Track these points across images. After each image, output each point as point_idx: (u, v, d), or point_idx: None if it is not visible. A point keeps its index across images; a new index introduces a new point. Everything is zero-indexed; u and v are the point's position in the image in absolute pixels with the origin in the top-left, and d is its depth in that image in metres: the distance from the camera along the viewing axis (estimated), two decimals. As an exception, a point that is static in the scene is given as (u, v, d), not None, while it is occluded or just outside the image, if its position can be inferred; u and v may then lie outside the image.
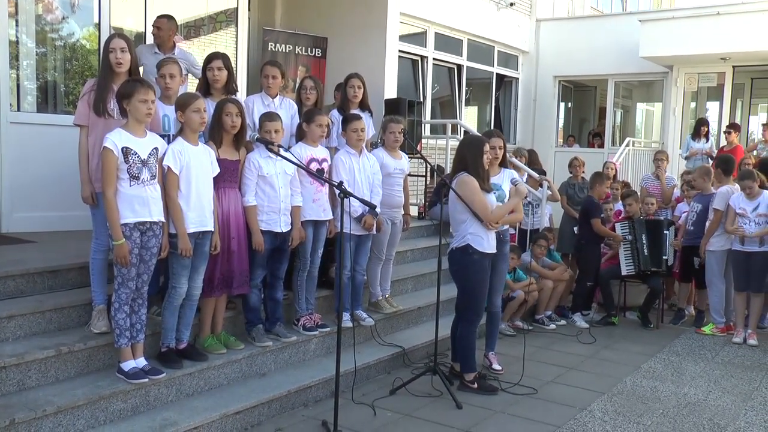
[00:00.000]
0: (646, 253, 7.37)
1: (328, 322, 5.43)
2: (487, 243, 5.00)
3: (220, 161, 4.55)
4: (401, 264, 7.14)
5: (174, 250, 4.29)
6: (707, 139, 11.05)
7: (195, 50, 7.43)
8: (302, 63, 9.39)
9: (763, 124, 10.94)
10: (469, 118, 13.53)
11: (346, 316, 5.48)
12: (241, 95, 5.78)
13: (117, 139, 3.98)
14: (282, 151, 4.75)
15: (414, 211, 8.26)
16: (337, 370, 4.18)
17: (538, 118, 14.54)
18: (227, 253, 4.66)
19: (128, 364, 4.13)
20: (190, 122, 4.34)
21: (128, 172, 4.00)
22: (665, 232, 7.40)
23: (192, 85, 6.15)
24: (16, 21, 6.14)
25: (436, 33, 11.93)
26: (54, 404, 3.74)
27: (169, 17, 6.06)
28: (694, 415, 4.87)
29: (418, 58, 11.72)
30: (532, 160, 9.24)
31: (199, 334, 4.75)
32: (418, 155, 6.55)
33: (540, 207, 8.06)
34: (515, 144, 13.36)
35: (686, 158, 10.96)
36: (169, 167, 4.21)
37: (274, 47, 9.21)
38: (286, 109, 5.49)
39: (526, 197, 5.29)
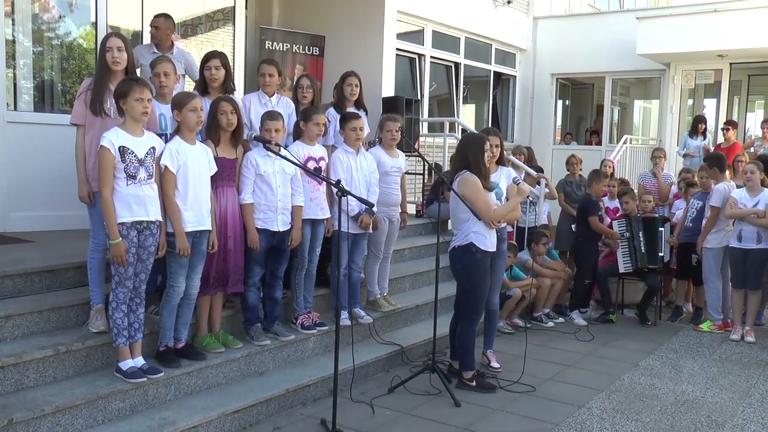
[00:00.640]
0: (643, 251, 7.38)
1: (326, 321, 5.43)
2: (489, 241, 5.01)
3: (217, 160, 4.54)
4: (399, 262, 7.14)
5: (172, 249, 4.28)
6: (704, 137, 11.05)
7: (192, 49, 7.41)
8: (300, 61, 9.39)
9: (762, 121, 10.95)
10: (466, 116, 13.52)
11: (344, 314, 5.48)
12: (238, 94, 5.78)
13: (114, 138, 3.98)
14: (280, 150, 4.74)
15: (411, 209, 8.26)
16: (335, 369, 4.18)
17: (536, 116, 14.55)
18: (223, 251, 4.66)
19: (126, 364, 4.13)
20: (186, 121, 4.33)
21: (125, 172, 3.99)
22: (660, 229, 7.42)
23: (189, 84, 6.15)
24: (13, 20, 6.12)
25: (433, 31, 11.92)
26: (52, 404, 3.73)
27: (167, 16, 6.04)
28: (692, 412, 4.88)
29: (416, 56, 11.72)
30: (529, 157, 9.24)
31: (197, 333, 4.75)
32: (416, 153, 6.55)
33: (538, 204, 8.06)
34: (513, 142, 13.37)
35: (684, 156, 10.97)
36: (166, 166, 4.21)
37: (272, 46, 9.21)
38: (284, 108, 5.48)
39: (528, 196, 5.30)
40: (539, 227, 7.80)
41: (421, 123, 9.74)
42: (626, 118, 16.95)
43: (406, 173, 6.22)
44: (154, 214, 4.13)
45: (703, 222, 7.17)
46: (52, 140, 5.98)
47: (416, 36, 11.65)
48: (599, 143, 14.38)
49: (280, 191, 4.89)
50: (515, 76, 14.36)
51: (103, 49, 4.35)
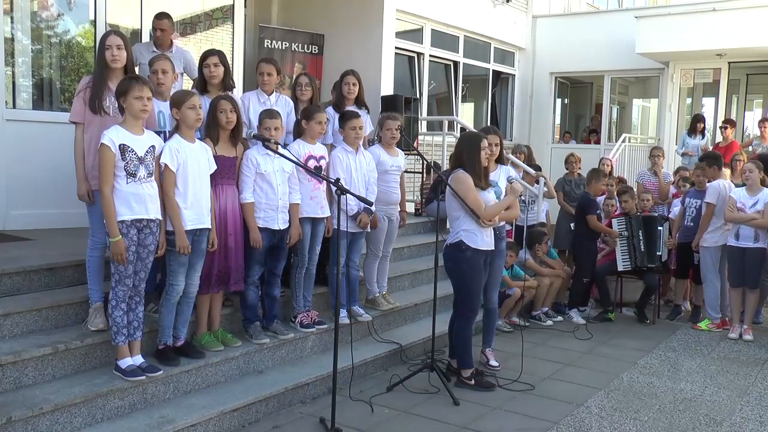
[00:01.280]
0: (642, 249, 7.39)
1: (325, 319, 5.43)
2: (481, 240, 4.99)
3: (217, 158, 4.54)
4: (398, 261, 7.14)
5: (171, 248, 4.28)
6: (703, 136, 11.07)
7: (191, 47, 7.42)
8: (299, 60, 9.39)
9: (760, 120, 10.96)
10: (465, 114, 13.53)
11: (343, 312, 5.48)
12: (237, 92, 5.78)
13: (114, 136, 3.97)
14: (279, 149, 4.74)
15: (410, 207, 8.26)
16: (334, 367, 4.19)
17: (535, 115, 14.55)
18: (224, 250, 4.66)
19: (125, 362, 4.13)
20: (185, 119, 4.33)
21: (125, 170, 3.99)
22: (659, 228, 7.43)
23: (188, 83, 6.14)
24: (12, 18, 6.12)
25: (432, 30, 11.92)
26: (51, 402, 3.73)
27: (169, 16, 6.04)
28: (691, 411, 4.89)
29: (415, 55, 11.72)
30: (528, 156, 9.24)
31: (197, 332, 4.75)
32: (415, 152, 6.54)
33: (536, 203, 8.07)
34: (512, 141, 13.37)
35: (682, 155, 10.99)
36: (166, 165, 4.21)
37: (271, 44, 9.20)
38: (282, 106, 5.47)
39: (521, 195, 5.30)
40: (537, 225, 7.80)
41: (420, 122, 9.74)
42: (625, 117, 16.96)
43: (405, 172, 6.22)
44: (154, 212, 4.13)
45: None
46: (51, 138, 5.98)
47: (415, 35, 11.64)
48: (598, 142, 14.39)
49: (280, 190, 4.89)
50: (514, 75, 14.36)
51: (103, 46, 4.34)
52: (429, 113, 11.88)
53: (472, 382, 5.17)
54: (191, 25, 7.87)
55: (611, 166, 9.23)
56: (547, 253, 7.52)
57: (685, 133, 11.34)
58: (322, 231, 5.37)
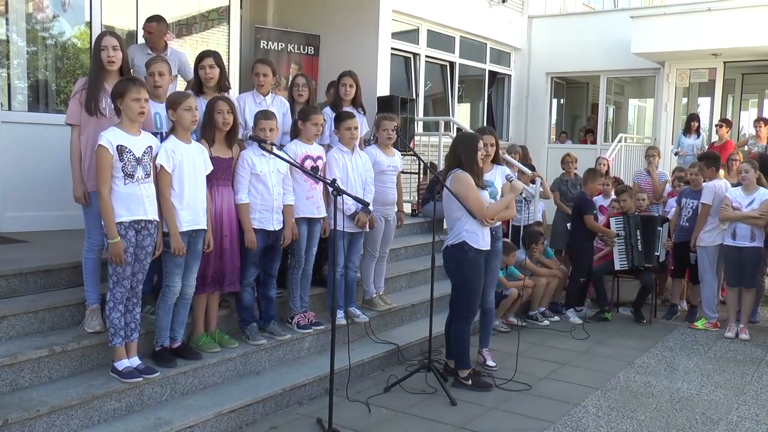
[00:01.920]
0: (639, 249, 7.39)
1: (322, 320, 5.43)
2: (482, 240, 5.01)
3: (212, 159, 4.54)
4: (395, 261, 7.14)
5: (168, 249, 4.28)
6: (698, 135, 11.09)
7: (187, 49, 7.41)
8: (295, 61, 9.39)
9: (755, 120, 10.98)
10: (461, 115, 13.54)
11: (339, 313, 5.48)
12: (233, 93, 5.77)
13: (112, 137, 3.97)
14: (275, 149, 4.74)
15: (407, 208, 8.27)
16: (331, 368, 4.18)
17: (531, 115, 14.57)
18: (219, 251, 4.65)
19: (122, 364, 4.12)
20: (181, 120, 4.33)
21: (123, 171, 3.99)
22: (659, 228, 7.43)
23: (182, 85, 6.14)
24: (7, 20, 6.11)
25: (428, 30, 11.93)
26: (47, 404, 3.73)
27: (159, 19, 6.02)
28: (687, 410, 4.90)
29: (411, 56, 11.72)
30: (524, 156, 9.26)
31: (193, 333, 4.75)
32: (411, 152, 6.55)
33: (533, 203, 8.07)
34: (508, 141, 13.38)
35: (676, 154, 11.01)
36: (162, 166, 4.20)
37: (267, 45, 9.21)
38: (278, 107, 5.47)
39: (521, 193, 5.30)
40: (533, 224, 7.80)
41: (416, 122, 9.75)
42: (621, 117, 16.98)
43: (402, 172, 6.22)
44: (152, 213, 4.13)
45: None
46: (47, 140, 5.96)
47: (411, 35, 11.65)
48: (594, 142, 14.42)
49: (275, 190, 4.89)
50: (510, 75, 14.38)
51: (98, 48, 4.34)
52: (425, 114, 11.90)
53: (469, 382, 5.17)
54: (187, 26, 7.86)
55: (608, 165, 9.25)
56: (544, 253, 7.53)
57: (680, 133, 11.36)
58: (318, 231, 5.37)
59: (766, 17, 11.07)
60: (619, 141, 12.12)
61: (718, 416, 4.80)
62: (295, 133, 5.35)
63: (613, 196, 8.03)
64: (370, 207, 5.41)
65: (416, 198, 8.96)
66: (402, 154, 6.41)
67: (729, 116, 12.95)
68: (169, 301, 4.38)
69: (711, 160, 7.38)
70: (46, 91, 6.61)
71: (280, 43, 9.29)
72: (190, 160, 4.33)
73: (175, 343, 4.51)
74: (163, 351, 4.43)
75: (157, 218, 4.18)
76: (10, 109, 6.13)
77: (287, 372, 4.96)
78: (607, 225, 7.57)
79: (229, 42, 7.95)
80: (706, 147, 10.65)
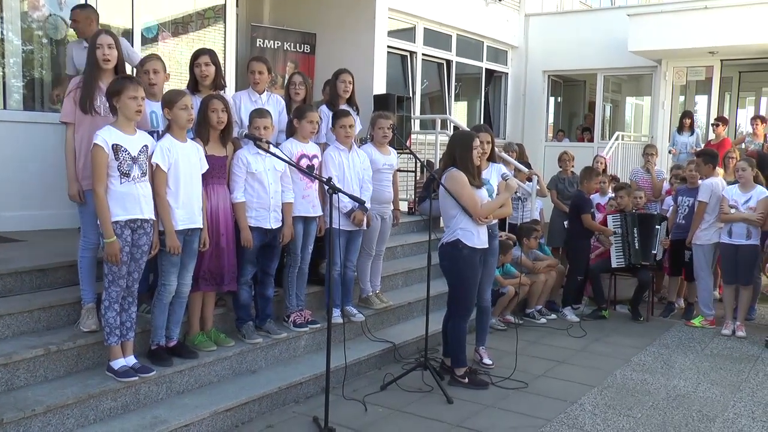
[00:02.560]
0: (637, 247, 7.39)
1: (318, 318, 5.43)
2: (477, 238, 5.00)
3: (207, 158, 4.52)
4: (391, 259, 7.14)
5: (163, 248, 4.27)
6: (692, 132, 11.09)
7: (183, 47, 7.40)
8: (291, 59, 9.38)
9: (752, 118, 11.00)
10: (458, 113, 13.54)
11: (336, 312, 5.48)
12: (229, 92, 5.76)
13: (107, 136, 3.96)
14: (271, 148, 4.73)
15: (403, 206, 8.27)
16: (327, 366, 4.18)
17: (528, 113, 14.57)
18: (216, 249, 4.64)
19: (118, 363, 4.11)
20: (177, 119, 4.32)
21: (119, 170, 3.98)
22: (657, 227, 7.43)
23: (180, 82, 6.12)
24: (2, 18, 6.10)
25: (425, 28, 11.92)
26: (43, 403, 3.72)
27: (85, 6, 5.97)
28: (684, 407, 4.90)
29: (407, 54, 11.71)
30: (520, 154, 9.25)
31: (189, 332, 4.74)
32: (408, 151, 6.54)
33: (529, 201, 8.07)
34: (505, 139, 13.38)
35: (669, 153, 11.02)
36: (157, 165, 4.19)
37: (263, 43, 9.19)
38: (274, 105, 5.47)
39: (516, 192, 5.30)
40: (529, 222, 7.80)
41: (412, 120, 9.74)
42: (618, 115, 16.99)
43: (398, 171, 6.22)
44: (148, 212, 4.12)
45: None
46: (42, 139, 5.95)
47: (408, 33, 11.65)
48: (591, 140, 14.42)
49: (271, 189, 4.88)
50: (507, 73, 14.37)
51: (93, 46, 4.33)
52: (422, 112, 11.89)
53: (466, 380, 5.17)
54: (183, 25, 7.85)
55: (605, 163, 9.25)
56: (540, 250, 7.52)
57: (674, 131, 11.37)
58: (314, 230, 5.36)
59: (762, 15, 11.09)
60: (616, 139, 12.12)
61: (714, 413, 4.81)
62: (290, 132, 5.34)
63: (611, 194, 8.04)
64: (367, 205, 5.40)
65: (413, 196, 8.96)
66: (398, 153, 6.40)
67: (726, 114, 12.97)
68: (164, 299, 4.37)
69: (708, 157, 7.37)
70: (41, 89, 6.59)
71: (276, 42, 9.28)
72: (185, 159, 4.32)
73: (171, 341, 4.51)
74: (159, 350, 4.42)
75: (153, 217, 4.17)
76: (5, 107, 6.12)
77: (283, 370, 4.95)
78: (604, 222, 7.57)
79: (224, 40, 7.95)
80: (702, 145, 10.66)
